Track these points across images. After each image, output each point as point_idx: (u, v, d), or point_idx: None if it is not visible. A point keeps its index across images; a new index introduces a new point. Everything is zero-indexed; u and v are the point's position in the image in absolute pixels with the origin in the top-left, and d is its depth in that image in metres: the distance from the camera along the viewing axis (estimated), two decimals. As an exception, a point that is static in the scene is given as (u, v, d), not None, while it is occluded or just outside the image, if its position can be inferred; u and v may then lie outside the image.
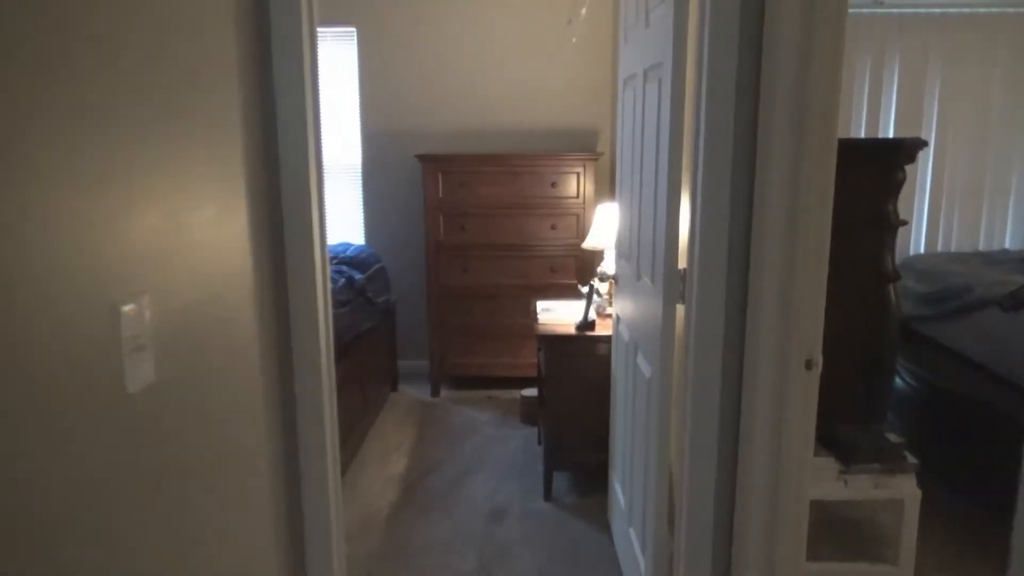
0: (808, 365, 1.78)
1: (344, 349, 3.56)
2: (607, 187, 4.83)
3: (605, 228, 3.43)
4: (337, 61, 4.76)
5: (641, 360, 2.34)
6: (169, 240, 1.29)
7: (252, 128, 1.74)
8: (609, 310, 3.46)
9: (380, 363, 4.37)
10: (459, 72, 4.73)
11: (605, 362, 3.11)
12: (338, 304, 3.55)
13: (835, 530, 2.46)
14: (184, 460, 1.35)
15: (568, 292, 4.46)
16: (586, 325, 3.18)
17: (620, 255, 2.78)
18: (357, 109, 4.80)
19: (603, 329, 3.18)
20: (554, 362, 3.20)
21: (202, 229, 1.45)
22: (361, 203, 4.92)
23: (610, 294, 3.46)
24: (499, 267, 4.49)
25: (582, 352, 3.18)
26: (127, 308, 1.14)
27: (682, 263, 1.99)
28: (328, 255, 3.91)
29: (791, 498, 1.84)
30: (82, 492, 1.03)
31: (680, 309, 2.01)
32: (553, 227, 4.43)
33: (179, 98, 1.34)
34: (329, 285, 2.10)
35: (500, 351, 4.59)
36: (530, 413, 4.19)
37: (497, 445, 3.91)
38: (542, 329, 3.22)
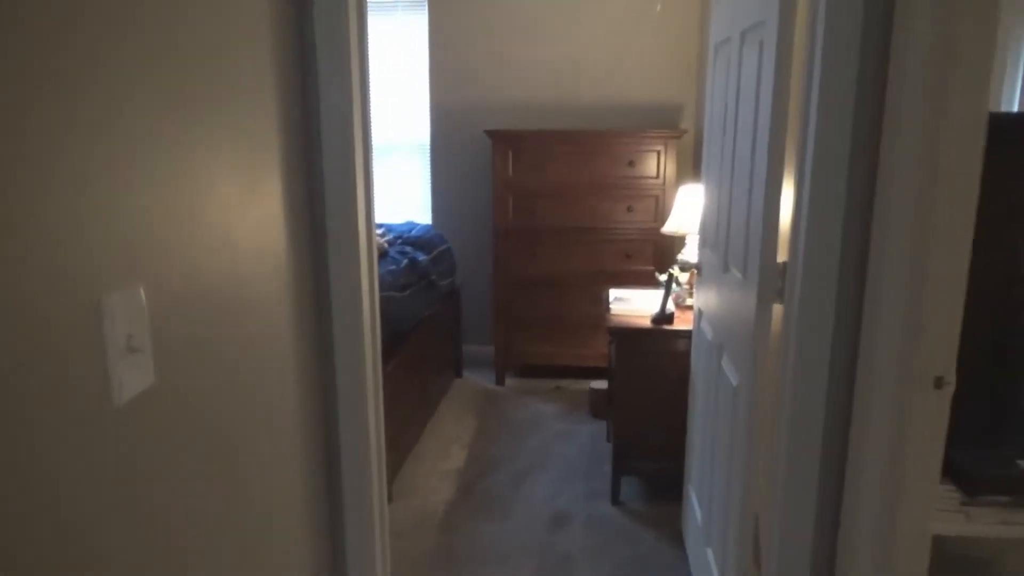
0: (938, 384, 1.46)
1: (403, 335, 3.39)
2: (690, 167, 4.49)
3: (688, 212, 3.12)
4: (408, 32, 4.56)
5: (727, 364, 2.05)
6: (173, 224, 1.09)
7: (288, 98, 1.54)
8: (689, 302, 3.16)
9: (443, 349, 4.19)
10: (533, 43, 4.46)
11: (683, 360, 2.83)
12: (399, 287, 3.37)
13: (952, 570, 2.14)
14: (191, 492, 1.16)
15: (644, 280, 4.16)
16: (663, 318, 2.90)
17: (704, 243, 2.48)
18: (426, 82, 4.60)
19: (682, 323, 2.89)
20: (627, 358, 2.94)
21: (222, 211, 1.26)
22: (429, 181, 4.73)
23: (691, 284, 3.16)
24: (570, 252, 4.23)
25: (658, 348, 2.90)
26: (112, 300, 0.95)
27: (781, 255, 1.70)
28: (385, 236, 3.73)
29: (910, 538, 1.54)
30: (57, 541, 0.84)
31: (777, 309, 1.73)
32: (630, 209, 4.13)
33: (193, 59, 1.13)
34: (376, 271, 1.90)
35: (569, 340, 4.34)
36: (599, 406, 3.94)
37: (563, 441, 3.67)
38: (614, 320, 2.95)
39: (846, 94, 1.46)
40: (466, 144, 4.61)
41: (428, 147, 4.68)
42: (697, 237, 2.84)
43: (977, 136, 1.36)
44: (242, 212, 1.34)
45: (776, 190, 1.66)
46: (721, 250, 2.14)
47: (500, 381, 4.47)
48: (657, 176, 4.09)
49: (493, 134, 4.13)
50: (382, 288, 3.14)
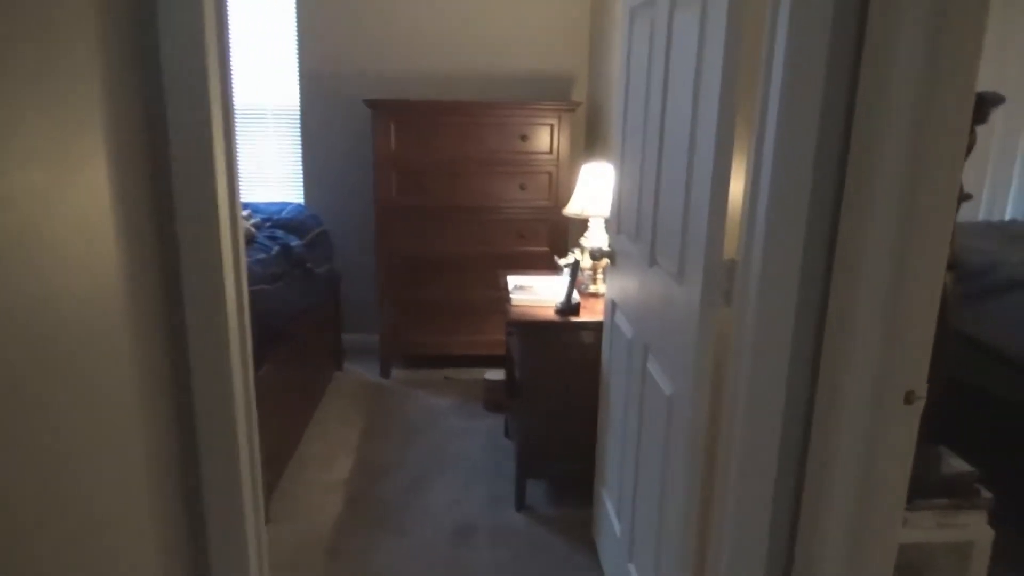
0: (908, 399, 1.30)
1: (278, 332, 2.99)
2: (583, 142, 4.29)
3: (591, 193, 2.89)
4: (269, -13, 4.05)
5: (656, 368, 1.84)
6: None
7: (117, 52, 1.14)
8: (593, 288, 2.95)
9: (322, 342, 3.80)
10: (416, 5, 4.07)
11: (592, 353, 2.62)
12: (270, 278, 2.95)
13: None
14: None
15: (539, 262, 3.93)
16: (569, 309, 2.67)
17: (619, 229, 2.26)
18: (294, 42, 4.11)
19: (589, 314, 2.68)
20: (531, 353, 2.69)
21: (24, 201, 0.87)
22: (300, 156, 4.26)
23: (595, 270, 2.95)
24: (459, 232, 3.93)
25: (564, 341, 2.68)
26: None
27: (728, 251, 1.48)
28: (252, 219, 3.28)
29: (879, 556, 1.39)
30: None
31: (720, 311, 1.52)
32: (522, 187, 3.88)
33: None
34: (243, 261, 1.54)
35: (459, 327, 4.06)
36: (495, 399, 3.69)
37: (458, 439, 3.40)
38: (516, 312, 2.70)
39: (817, 57, 1.24)
40: (342, 114, 4.18)
41: (298, 116, 4.20)
42: (609, 222, 2.62)
43: (965, 113, 1.18)
44: (47, 204, 0.95)
45: (724, 178, 1.43)
46: (646, 241, 1.91)
47: (385, 373, 4.13)
48: (550, 151, 3.85)
49: (373, 104, 3.74)
50: (251, 281, 2.72)
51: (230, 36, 1.34)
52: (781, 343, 1.36)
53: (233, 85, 1.40)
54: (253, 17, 4.06)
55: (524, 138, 3.81)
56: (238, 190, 1.45)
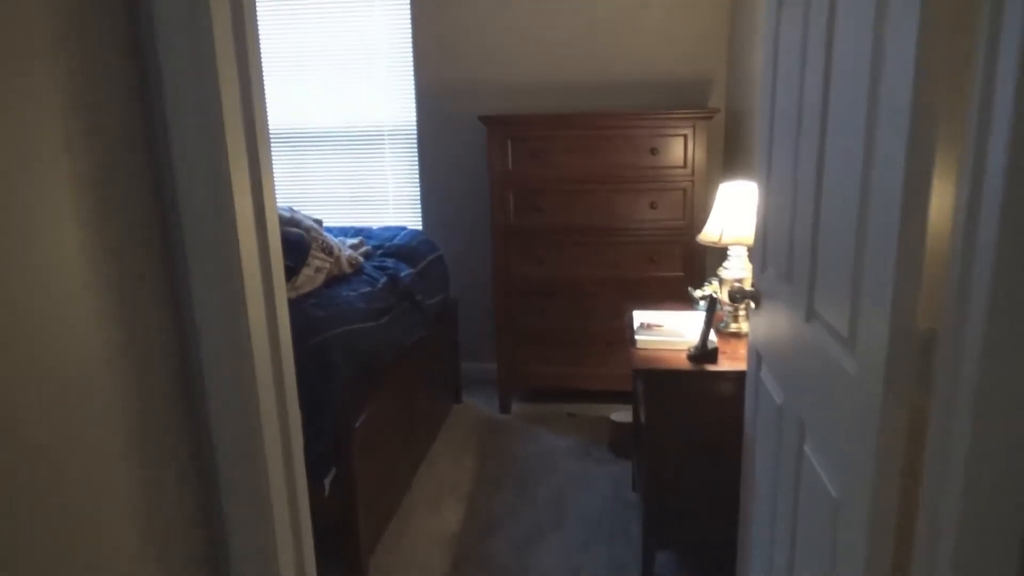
0: None
1: (382, 370, 2.77)
2: (722, 155, 3.83)
3: (731, 217, 2.47)
4: (387, 5, 3.90)
5: (816, 456, 1.42)
6: None
7: (101, 51, 0.91)
8: (734, 327, 2.52)
9: (436, 374, 3.57)
10: (533, 12, 3.79)
11: (732, 406, 2.20)
12: (375, 314, 2.75)
13: None
14: None
15: (672, 290, 3.52)
16: (705, 354, 2.26)
17: (766, 263, 1.84)
18: (410, 58, 3.94)
19: (730, 361, 2.26)
20: (659, 405, 2.31)
21: None
22: (417, 177, 4.09)
23: (736, 305, 2.52)
24: (583, 256, 3.59)
25: (698, 393, 2.27)
26: None
27: (926, 312, 1.06)
28: (362, 247, 3.10)
29: None
30: None
31: (913, 398, 1.09)
32: (653, 205, 3.48)
33: None
34: (285, 316, 1.28)
35: (583, 359, 3.71)
36: (622, 443, 3.32)
37: (580, 488, 3.06)
38: (641, 357, 2.32)
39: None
40: (459, 132, 3.96)
41: (415, 136, 4.03)
42: (754, 254, 2.20)
43: None
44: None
45: (920, 204, 1.01)
46: (801, 285, 1.50)
47: (505, 407, 3.85)
48: (684, 165, 3.43)
49: (488, 120, 3.48)
50: (353, 317, 2.52)
51: (257, 48, 1.09)
52: (1016, 465, 0.92)
53: (264, 88, 1.15)
54: (368, 34, 3.93)
55: (654, 151, 3.42)
56: (274, 243, 1.20)
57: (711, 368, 2.24)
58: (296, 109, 4.07)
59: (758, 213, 1.91)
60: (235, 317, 1.11)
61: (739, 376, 2.19)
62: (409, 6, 3.86)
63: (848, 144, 1.23)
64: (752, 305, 1.94)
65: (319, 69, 4.00)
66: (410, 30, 3.89)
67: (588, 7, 3.75)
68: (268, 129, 1.13)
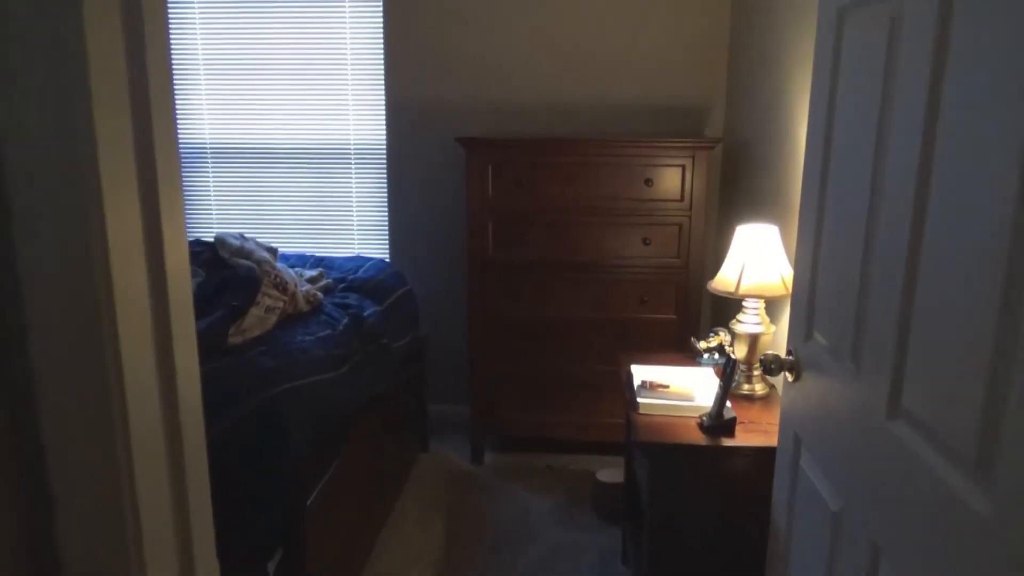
0: None
1: (343, 427, 2.40)
2: (719, 188, 3.55)
3: (750, 263, 2.16)
4: (358, 12, 3.56)
5: (905, 597, 1.09)
6: None
7: None
8: (746, 388, 2.21)
9: (401, 423, 3.20)
10: (518, 27, 3.48)
11: (751, 486, 1.88)
12: (335, 362, 2.38)
13: None
14: None
15: (664, 334, 3.21)
16: (721, 426, 1.94)
17: (812, 333, 1.52)
18: (381, 72, 3.60)
19: (749, 433, 1.94)
20: (665, 483, 1.97)
21: None
22: (387, 202, 3.73)
23: (750, 362, 2.21)
24: (568, 294, 3.26)
25: (712, 470, 1.95)
26: None
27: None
28: (321, 281, 2.73)
29: None
30: None
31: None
32: (646, 241, 3.17)
33: None
34: (197, 393, 0.92)
35: (565, 406, 3.37)
36: (610, 506, 2.97)
37: (561, 559, 2.71)
38: (645, 427, 1.99)
39: None
40: (433, 154, 3.62)
41: (384, 157, 3.68)
42: (761, 302, 1.89)
43: None
44: None
45: None
46: (879, 370, 1.18)
47: (477, 458, 3.49)
48: (681, 199, 3.13)
49: (467, 142, 3.15)
50: (307, 370, 2.16)
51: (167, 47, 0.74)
52: None
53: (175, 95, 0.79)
54: (335, 42, 3.58)
55: (649, 182, 3.12)
56: (178, 293, 0.82)
57: (728, 442, 1.91)
58: (251, 121, 3.69)
59: (799, 266, 1.60)
60: (101, 412, 0.74)
61: (762, 454, 1.87)
62: (382, 13, 3.52)
63: (975, 200, 0.92)
64: (787, 376, 1.63)
65: (279, 78, 3.63)
66: (382, 39, 3.55)
67: (580, 24, 3.46)
68: (175, 143, 0.76)
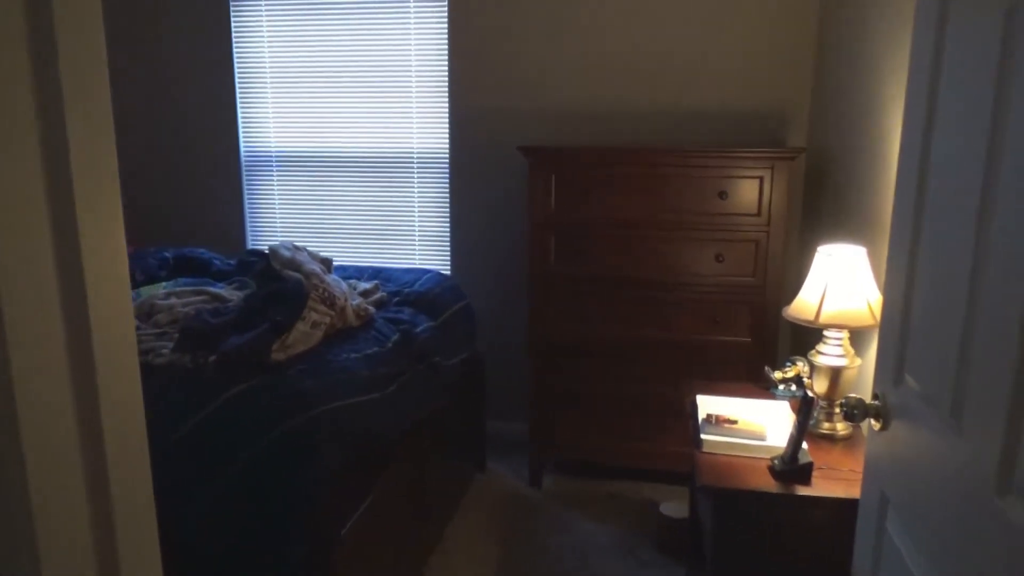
0: None
1: (387, 451, 2.29)
2: (801, 203, 3.29)
3: (832, 289, 1.93)
4: (423, 17, 3.48)
5: None
6: None
7: None
8: (826, 427, 1.98)
9: (455, 443, 3.08)
10: (583, 31, 3.33)
11: (828, 543, 1.65)
12: (382, 381, 2.27)
13: None
14: None
15: (737, 359, 2.98)
16: (796, 472, 1.72)
17: (904, 376, 1.31)
18: (445, 80, 3.50)
19: (828, 482, 1.71)
20: (730, 533, 1.77)
21: None
22: (449, 215, 3.63)
23: (831, 398, 1.98)
24: (633, 312, 3.07)
25: (783, 521, 1.73)
26: None
27: None
28: (376, 294, 2.64)
29: None
30: None
31: None
32: (719, 258, 2.95)
33: None
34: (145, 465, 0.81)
35: (628, 431, 3.18)
36: (673, 542, 2.76)
37: (619, 600, 2.52)
38: (709, 468, 1.79)
39: None
40: (495, 164, 3.50)
41: (447, 166, 3.58)
42: (844, 332, 1.67)
43: None
44: None
45: None
46: (989, 433, 0.96)
47: (535, 480, 3.33)
48: (759, 213, 2.90)
49: (530, 151, 3.01)
50: (348, 391, 2.05)
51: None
52: None
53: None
54: (400, 51, 3.51)
55: (723, 195, 2.90)
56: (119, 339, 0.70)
57: (803, 491, 1.70)
58: (316, 129, 3.66)
59: (890, 296, 1.38)
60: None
61: (842, 505, 1.65)
62: (447, 20, 3.43)
63: None
64: (873, 424, 1.41)
65: (344, 86, 3.59)
66: (446, 46, 3.45)
67: (650, 29, 3.27)
68: (111, 142, 0.64)
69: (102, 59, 0.60)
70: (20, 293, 0.53)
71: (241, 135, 3.73)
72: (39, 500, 0.56)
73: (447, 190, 3.60)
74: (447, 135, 3.54)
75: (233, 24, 3.62)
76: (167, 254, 3.14)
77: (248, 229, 3.83)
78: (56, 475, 0.59)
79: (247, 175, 3.78)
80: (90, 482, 0.61)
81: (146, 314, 2.43)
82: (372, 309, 2.63)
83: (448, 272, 3.60)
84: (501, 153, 3.45)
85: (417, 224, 3.68)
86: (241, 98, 3.70)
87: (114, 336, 0.62)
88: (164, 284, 2.83)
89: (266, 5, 3.57)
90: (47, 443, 0.56)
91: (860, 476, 1.55)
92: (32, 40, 0.53)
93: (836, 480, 1.73)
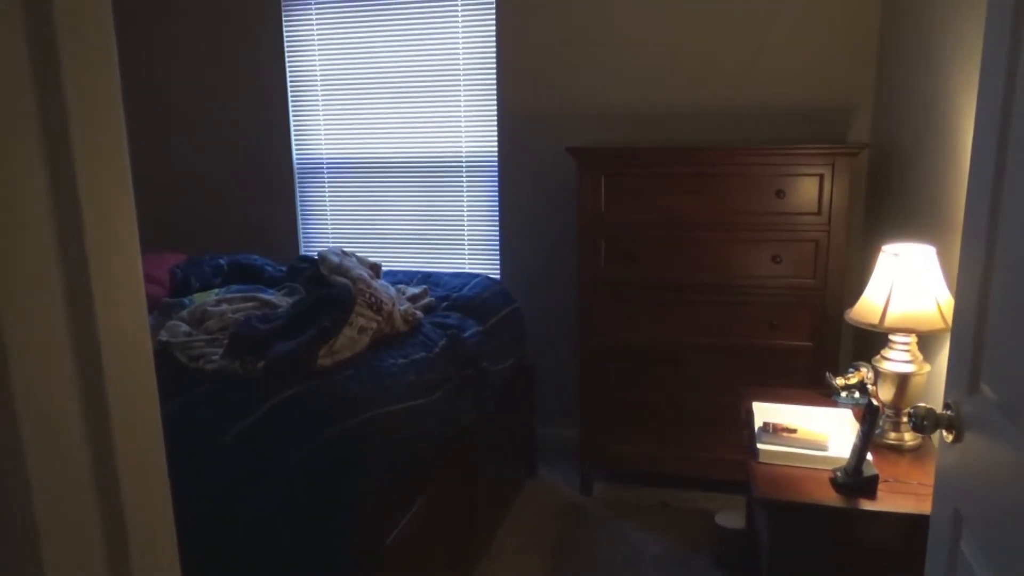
0: None
1: (436, 456, 2.27)
2: (863, 201, 3.15)
3: (897, 291, 1.83)
4: (471, 19, 3.46)
5: None
6: None
7: None
8: (892, 438, 1.87)
9: (505, 449, 3.04)
10: (633, 28, 3.25)
11: (896, 562, 1.55)
12: (427, 387, 2.25)
13: None
14: None
15: (797, 365, 2.87)
16: (859, 484, 1.63)
17: (979, 385, 1.21)
18: (494, 82, 3.47)
19: (894, 496, 1.61)
20: (789, 549, 1.68)
21: None
22: (498, 218, 3.60)
23: (898, 407, 1.87)
24: (687, 316, 2.99)
25: (846, 537, 1.63)
26: None
27: None
28: (424, 299, 2.62)
29: None
30: None
31: None
32: (776, 260, 2.84)
33: None
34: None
35: (682, 439, 3.09)
36: (730, 554, 2.67)
37: (673, 614, 2.43)
38: (766, 479, 1.71)
39: None
40: (544, 165, 3.45)
41: (496, 170, 3.55)
42: (911, 337, 1.57)
43: None
44: None
45: None
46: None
47: (586, 488, 3.26)
48: (819, 212, 2.78)
49: (578, 152, 2.95)
50: (395, 396, 2.04)
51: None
52: None
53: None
54: (448, 54, 3.50)
55: (781, 193, 2.79)
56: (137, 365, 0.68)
57: (868, 506, 1.60)
58: (366, 135, 3.67)
59: (962, 298, 1.28)
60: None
61: (910, 522, 1.55)
62: (495, 22, 3.40)
63: None
64: (945, 435, 1.31)
65: (393, 92, 3.59)
66: (495, 48, 3.42)
67: (700, 25, 3.18)
68: (124, 146, 0.62)
69: (113, 69, 0.58)
70: (21, 302, 0.50)
71: (293, 143, 3.77)
72: (44, 518, 0.53)
73: (496, 194, 3.57)
74: (496, 138, 3.51)
75: (285, 32, 3.66)
76: (222, 261, 3.19)
77: (301, 235, 3.87)
78: (63, 488, 0.57)
79: (300, 182, 3.82)
80: (101, 499, 0.58)
81: (198, 320, 2.46)
82: (420, 314, 2.61)
83: (497, 276, 3.57)
84: (550, 155, 3.40)
85: (466, 228, 3.66)
86: (293, 106, 3.74)
87: (126, 344, 0.59)
88: (217, 291, 2.87)
89: (316, 12, 3.60)
90: (53, 456, 0.54)
91: (930, 491, 1.45)
92: (32, 43, 0.50)
93: (904, 494, 1.63)
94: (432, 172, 3.63)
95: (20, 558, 0.54)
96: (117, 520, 0.59)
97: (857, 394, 2.14)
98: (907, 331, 1.81)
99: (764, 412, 2.02)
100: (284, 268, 3.15)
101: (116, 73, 0.58)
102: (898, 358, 1.84)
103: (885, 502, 1.60)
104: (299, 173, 3.82)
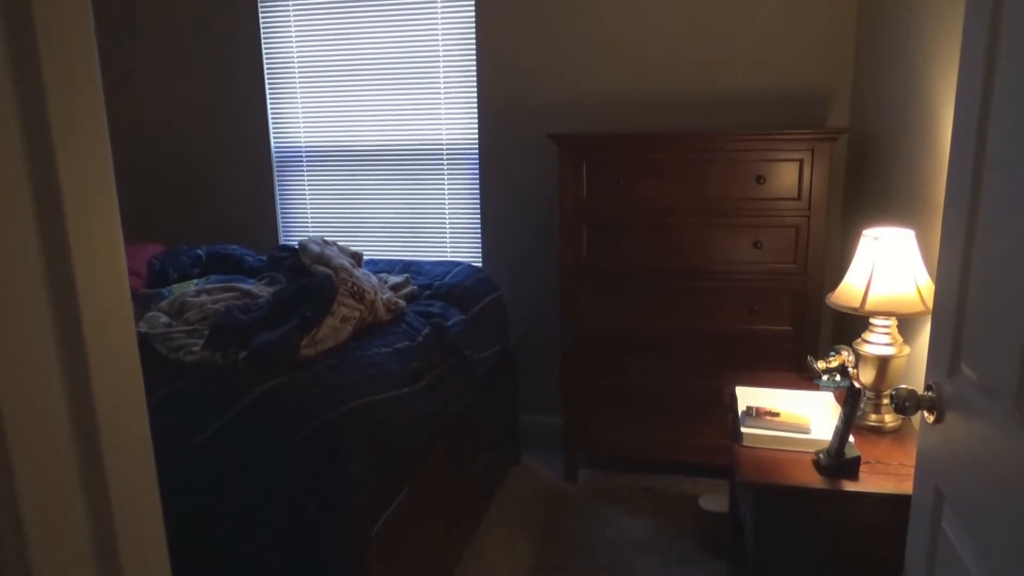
0: None
1: (421, 444, 2.26)
2: (843, 185, 3.17)
3: (878, 275, 1.84)
4: (450, 9, 3.43)
5: None
6: None
7: None
8: (873, 419, 1.89)
9: (489, 437, 3.04)
10: (613, 14, 3.24)
11: (878, 542, 1.58)
12: (411, 377, 2.24)
13: None
14: None
15: (777, 349, 2.89)
16: (842, 466, 1.65)
17: (960, 365, 1.23)
18: (474, 69, 3.45)
19: (876, 477, 1.64)
20: (772, 532, 1.70)
21: None
22: (479, 207, 3.58)
23: (879, 390, 1.89)
24: (669, 302, 3.00)
25: (829, 519, 1.65)
26: None
27: None
28: (406, 287, 2.61)
29: None
30: None
31: None
32: (757, 245, 2.86)
33: None
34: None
35: (664, 424, 3.11)
36: (713, 537, 2.70)
37: (659, 597, 2.46)
38: (750, 463, 1.73)
39: None
40: (526, 153, 3.44)
41: (477, 157, 3.53)
42: (890, 320, 1.59)
43: None
44: None
45: None
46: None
47: (571, 474, 3.28)
48: (799, 197, 2.80)
49: (560, 139, 2.95)
50: (378, 386, 2.03)
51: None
52: None
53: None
54: (427, 42, 3.47)
55: (761, 179, 2.81)
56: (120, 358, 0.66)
57: (850, 487, 1.62)
58: (345, 123, 3.64)
59: (943, 280, 1.30)
60: None
61: (892, 502, 1.57)
62: (474, 9, 3.37)
63: None
64: (926, 416, 1.33)
65: (372, 80, 3.56)
66: (474, 37, 3.40)
67: (681, 8, 3.18)
68: (104, 136, 0.60)
69: (92, 58, 0.56)
70: (2, 297, 0.49)
71: (272, 131, 3.73)
72: (30, 509, 0.52)
73: (477, 182, 3.55)
74: (476, 126, 3.49)
75: (261, 21, 3.61)
76: (200, 251, 3.15)
77: (280, 225, 3.84)
78: (49, 480, 0.55)
79: (278, 171, 3.78)
80: (88, 490, 0.57)
81: (177, 311, 2.43)
82: (403, 303, 2.60)
83: (479, 264, 3.56)
84: (531, 143, 3.39)
85: (448, 216, 3.64)
86: (271, 95, 3.69)
87: (111, 337, 0.58)
88: (196, 281, 2.84)
89: (293, 1, 3.55)
90: (39, 454, 0.53)
91: (911, 471, 1.47)
92: (9, 31, 0.49)
93: (885, 475, 1.65)
94: (413, 160, 3.61)
95: (5, 560, 0.53)
96: (105, 518, 0.58)
97: (838, 377, 2.17)
98: (887, 314, 1.83)
99: (747, 396, 2.04)
100: (264, 258, 3.11)
101: (95, 61, 0.57)
102: (879, 341, 1.86)
103: (867, 483, 1.63)
104: (277, 162, 3.77)
